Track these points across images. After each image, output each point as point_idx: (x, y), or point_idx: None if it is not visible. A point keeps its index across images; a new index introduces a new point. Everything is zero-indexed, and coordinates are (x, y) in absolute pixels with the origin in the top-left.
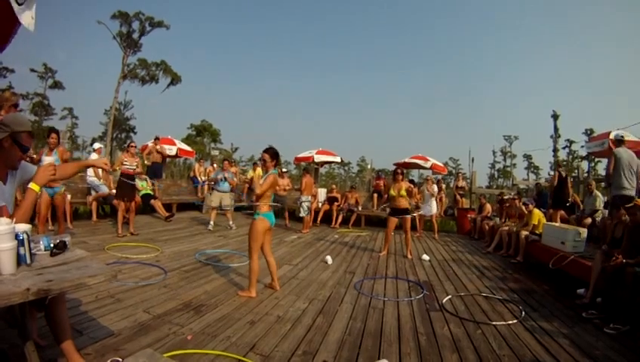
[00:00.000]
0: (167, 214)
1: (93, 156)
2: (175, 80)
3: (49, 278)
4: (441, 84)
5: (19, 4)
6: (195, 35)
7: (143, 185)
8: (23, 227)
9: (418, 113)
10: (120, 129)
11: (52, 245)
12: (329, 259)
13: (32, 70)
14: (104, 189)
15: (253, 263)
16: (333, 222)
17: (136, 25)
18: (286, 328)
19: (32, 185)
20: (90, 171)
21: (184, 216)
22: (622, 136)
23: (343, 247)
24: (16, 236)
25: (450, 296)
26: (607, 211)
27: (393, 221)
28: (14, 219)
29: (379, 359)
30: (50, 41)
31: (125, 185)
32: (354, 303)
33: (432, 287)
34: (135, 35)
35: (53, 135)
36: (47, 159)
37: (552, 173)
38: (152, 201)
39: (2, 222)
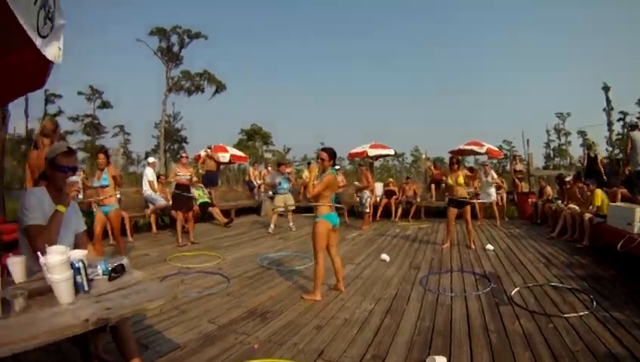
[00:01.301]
0: (226, 220)
1: (148, 170)
2: (220, 88)
3: (108, 306)
4: (489, 64)
5: (42, 37)
6: (236, 41)
7: (200, 194)
8: (79, 254)
9: (465, 96)
10: (172, 140)
11: (110, 269)
12: (386, 256)
13: (80, 93)
14: (161, 201)
15: (318, 266)
16: (393, 216)
17: (174, 39)
18: (353, 331)
19: (59, 207)
20: (145, 185)
21: (243, 220)
22: (636, 123)
23: (405, 242)
24: (72, 265)
25: (518, 288)
26: None
27: (453, 211)
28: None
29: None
30: (94, 64)
31: (180, 195)
32: (421, 300)
33: (499, 279)
34: (175, 49)
35: (101, 155)
36: (74, 178)
37: (608, 148)
38: (210, 209)
39: (56, 253)
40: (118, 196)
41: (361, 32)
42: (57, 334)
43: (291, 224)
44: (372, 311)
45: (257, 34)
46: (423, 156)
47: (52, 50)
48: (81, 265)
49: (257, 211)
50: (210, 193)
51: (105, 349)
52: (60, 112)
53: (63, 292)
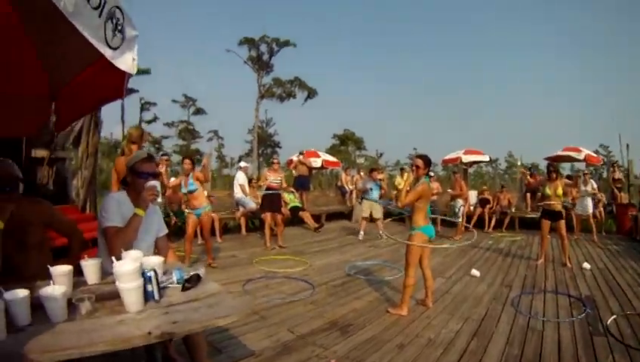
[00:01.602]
0: (316, 225)
1: (240, 174)
2: (311, 94)
3: (175, 319)
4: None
5: (113, 49)
6: (326, 46)
7: (291, 198)
8: (153, 262)
9: (558, 97)
10: (265, 145)
11: (184, 279)
12: (476, 272)
13: (174, 101)
14: (251, 204)
15: (408, 280)
16: (486, 227)
17: (264, 48)
18: (437, 353)
19: (137, 210)
20: (236, 188)
21: (333, 225)
22: None
23: (498, 255)
24: (143, 273)
25: (615, 316)
26: None
27: (547, 224)
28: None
29: None
30: (187, 74)
31: (271, 199)
32: (511, 323)
33: (595, 304)
34: (265, 57)
35: (187, 161)
36: (152, 183)
37: None
38: (301, 213)
39: (128, 261)
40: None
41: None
42: (117, 344)
43: (382, 231)
44: (459, 331)
45: (349, 38)
46: (519, 163)
47: (125, 61)
48: (152, 274)
49: (348, 217)
50: (301, 197)
51: (177, 350)
52: (155, 119)
53: (131, 300)
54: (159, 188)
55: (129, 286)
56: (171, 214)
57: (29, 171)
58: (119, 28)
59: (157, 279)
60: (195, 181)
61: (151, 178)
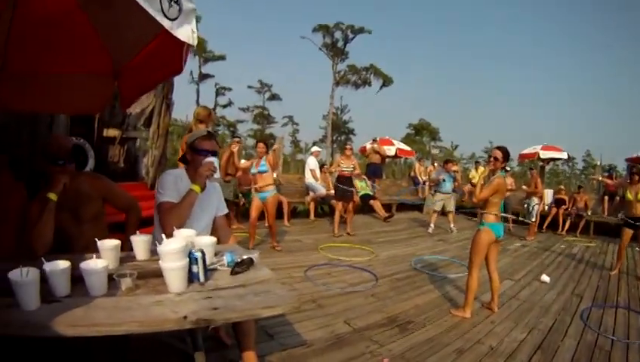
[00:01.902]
0: (386, 215)
1: (311, 159)
2: (387, 81)
3: (216, 305)
4: None
5: (171, 20)
6: (401, 34)
7: (362, 186)
8: (204, 242)
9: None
10: (339, 132)
11: (236, 262)
12: (546, 278)
13: (249, 87)
14: (322, 190)
15: (471, 280)
16: (560, 229)
17: (338, 34)
18: None
19: (193, 186)
20: (307, 173)
21: (403, 216)
22: None
23: (571, 261)
24: (190, 254)
25: None
26: None
27: (628, 233)
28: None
29: None
30: (263, 60)
31: (342, 185)
32: (578, 339)
33: None
34: (340, 44)
35: (261, 144)
36: (209, 159)
37: None
38: (372, 201)
39: (173, 241)
40: (276, 182)
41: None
42: (148, 326)
43: (452, 225)
44: (523, 341)
45: (427, 27)
46: (598, 163)
47: (184, 32)
48: (199, 254)
49: (420, 208)
50: (372, 185)
51: (227, 331)
52: (230, 103)
53: (173, 281)
54: (217, 165)
55: (171, 266)
56: (240, 196)
57: (101, 149)
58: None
59: (204, 260)
60: (267, 164)
61: (210, 155)
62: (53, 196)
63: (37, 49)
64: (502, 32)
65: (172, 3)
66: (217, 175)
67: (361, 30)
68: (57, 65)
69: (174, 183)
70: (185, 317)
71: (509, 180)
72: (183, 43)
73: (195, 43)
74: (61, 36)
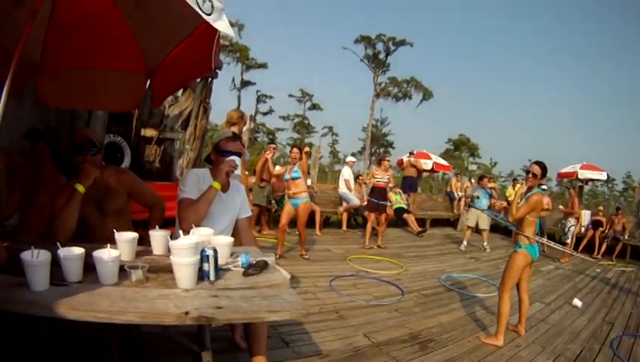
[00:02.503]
0: (419, 229)
1: (345, 169)
2: (427, 95)
3: (221, 304)
4: None
5: (207, 14)
6: (443, 47)
7: (397, 199)
8: (220, 242)
9: None
10: (378, 144)
11: (248, 264)
12: (578, 302)
13: (290, 95)
14: (355, 201)
15: (503, 305)
16: (596, 251)
17: (380, 46)
18: None
19: (213, 183)
20: (341, 183)
21: (437, 232)
22: None
23: (604, 286)
24: (202, 251)
25: None
26: None
27: None
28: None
29: None
30: (305, 70)
31: (376, 198)
32: None
33: None
34: (381, 56)
35: (295, 150)
36: (230, 157)
37: None
38: (405, 215)
39: (185, 237)
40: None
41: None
42: (148, 318)
43: (485, 243)
44: None
45: (470, 41)
46: (638, 185)
47: (222, 26)
48: (211, 253)
49: (454, 225)
50: (407, 199)
51: (242, 335)
52: (270, 111)
53: (182, 276)
54: (239, 163)
55: (180, 261)
56: (273, 201)
57: (138, 148)
58: None
59: (215, 259)
60: (300, 170)
61: (233, 156)
62: (80, 188)
63: (73, 46)
64: (548, 48)
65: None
66: (238, 172)
67: (403, 42)
68: (92, 62)
69: (197, 182)
70: (186, 313)
71: (546, 199)
72: (212, 44)
73: (233, 35)
74: (97, 34)
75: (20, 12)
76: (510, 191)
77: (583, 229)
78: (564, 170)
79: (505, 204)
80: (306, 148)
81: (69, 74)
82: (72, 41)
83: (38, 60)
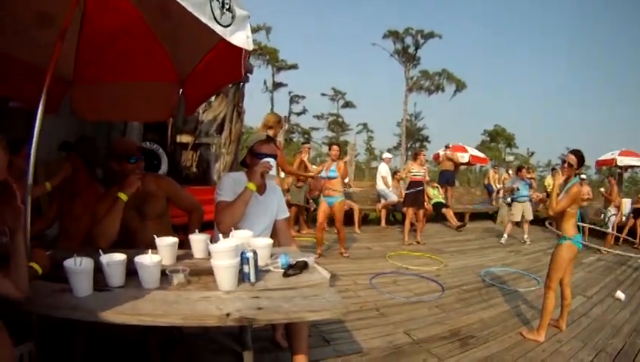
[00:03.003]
0: (458, 224)
1: (382, 166)
2: (460, 86)
3: (262, 305)
4: None
5: (224, 27)
6: (472, 37)
7: (435, 193)
8: (259, 243)
9: None
10: (414, 139)
11: (288, 264)
12: (621, 295)
13: (323, 94)
14: (393, 197)
15: (548, 300)
16: (638, 241)
17: (409, 40)
18: None
19: (248, 184)
20: (379, 180)
21: (476, 225)
22: None
23: None
24: (242, 254)
25: None
26: None
27: None
28: None
29: None
30: (336, 68)
31: (414, 194)
32: None
33: None
34: (411, 50)
35: (335, 147)
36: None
37: None
38: (444, 210)
39: (225, 240)
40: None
41: None
42: (190, 320)
43: (526, 236)
44: None
45: (499, 29)
46: None
47: (239, 38)
48: (251, 255)
49: (493, 218)
50: (445, 193)
51: (284, 334)
52: (304, 111)
53: (222, 279)
54: (274, 165)
55: (221, 264)
56: (311, 201)
57: (174, 155)
58: (227, 6)
59: (255, 261)
60: (338, 169)
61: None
62: (124, 196)
63: (105, 61)
64: (583, 33)
65: (224, 10)
66: (273, 173)
67: (431, 35)
68: (125, 75)
69: (232, 184)
70: (228, 315)
71: (586, 188)
72: (240, 49)
73: (250, 47)
74: (127, 48)
75: (50, 32)
76: (549, 181)
77: (623, 218)
78: (602, 158)
79: (541, 196)
80: (347, 158)
81: (102, 87)
82: (103, 56)
83: (71, 77)
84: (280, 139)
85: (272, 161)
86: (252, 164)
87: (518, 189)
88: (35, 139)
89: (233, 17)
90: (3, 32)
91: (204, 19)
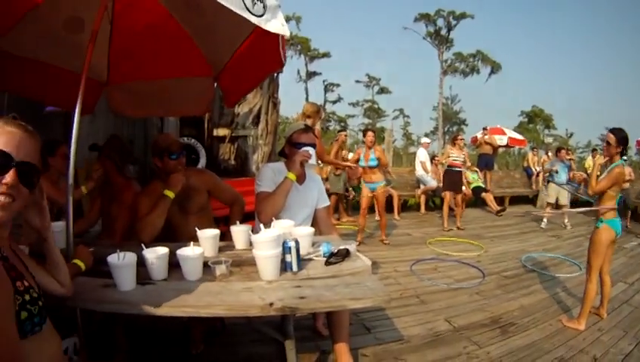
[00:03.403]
0: (498, 208)
1: (421, 151)
2: (495, 68)
3: (304, 294)
4: None
5: (258, 16)
6: (506, 17)
7: (474, 178)
8: (301, 232)
9: None
10: (451, 123)
11: (330, 253)
12: None
13: (357, 81)
14: (432, 182)
15: (590, 286)
16: None
17: (440, 22)
18: None
19: (288, 174)
20: (418, 165)
21: (516, 210)
22: None
23: None
24: (284, 243)
25: None
26: None
27: None
28: None
29: None
30: (369, 54)
31: (452, 178)
32: None
33: None
34: (443, 32)
35: (370, 133)
36: (304, 149)
37: None
38: (484, 194)
39: (266, 230)
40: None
41: None
42: (234, 310)
43: (566, 220)
44: (629, 354)
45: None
46: None
47: (274, 26)
48: (293, 244)
49: (533, 201)
50: (484, 177)
51: (324, 322)
52: (339, 99)
53: (265, 269)
54: (313, 154)
55: (263, 254)
56: (350, 189)
57: (212, 148)
58: None
59: (297, 250)
60: (377, 156)
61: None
62: (170, 194)
63: (137, 60)
64: (620, 9)
65: (256, 1)
66: (312, 161)
67: (463, 15)
68: (159, 72)
69: (272, 175)
70: (271, 304)
71: (628, 170)
72: (277, 38)
73: (287, 33)
74: (158, 45)
75: (81, 36)
76: (589, 163)
77: None
78: None
79: (585, 175)
80: (381, 146)
81: (137, 86)
82: (136, 55)
83: (105, 78)
84: (317, 127)
85: (311, 150)
86: (291, 153)
87: (557, 172)
88: (73, 141)
89: (265, 7)
90: (36, 40)
91: (237, 10)
